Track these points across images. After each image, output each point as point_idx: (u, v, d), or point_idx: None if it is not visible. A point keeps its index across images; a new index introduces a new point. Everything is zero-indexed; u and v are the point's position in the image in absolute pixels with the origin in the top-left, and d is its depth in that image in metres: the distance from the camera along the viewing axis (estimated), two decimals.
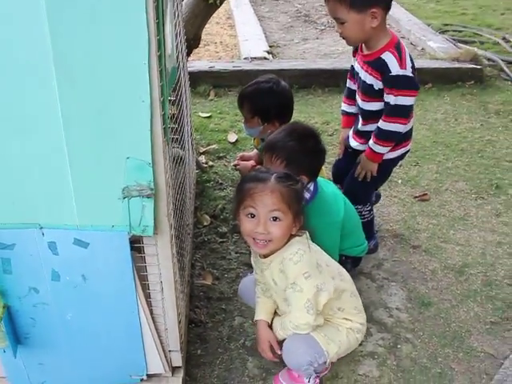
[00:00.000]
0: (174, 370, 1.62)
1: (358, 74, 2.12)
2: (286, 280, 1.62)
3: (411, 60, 1.98)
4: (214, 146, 3.22)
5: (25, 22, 0.97)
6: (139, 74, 1.02)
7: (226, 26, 5.14)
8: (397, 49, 1.94)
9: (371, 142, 2.11)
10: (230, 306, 2.11)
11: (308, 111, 3.65)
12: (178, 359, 1.58)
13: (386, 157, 2.15)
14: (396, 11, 5.22)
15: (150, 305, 1.43)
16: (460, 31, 4.93)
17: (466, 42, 4.61)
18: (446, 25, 5.07)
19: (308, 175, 1.87)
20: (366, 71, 2.03)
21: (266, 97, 2.28)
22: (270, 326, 1.77)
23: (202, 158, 3.12)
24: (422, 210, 2.69)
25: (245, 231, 1.58)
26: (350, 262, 2.13)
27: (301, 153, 1.84)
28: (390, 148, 2.10)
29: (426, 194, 2.80)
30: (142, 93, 1.04)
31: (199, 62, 4.04)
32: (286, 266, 1.60)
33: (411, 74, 1.95)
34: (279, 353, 1.70)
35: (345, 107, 2.33)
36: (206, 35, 4.89)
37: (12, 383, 1.54)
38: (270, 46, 4.52)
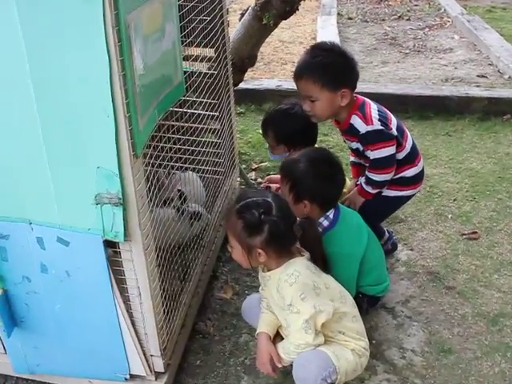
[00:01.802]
0: (157, 374, 1.68)
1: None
2: (282, 300, 1.65)
3: (380, 112, 2.04)
4: (266, 164, 3.26)
5: (6, 48, 1.14)
6: (103, 91, 1.12)
7: (309, 46, 5.17)
8: (360, 109, 2.03)
9: (363, 181, 2.13)
10: (241, 322, 2.12)
11: None
12: (159, 365, 1.63)
13: (385, 193, 2.16)
14: (488, 36, 4.94)
15: (129, 308, 1.50)
16: None
17: None
18: None
19: (314, 201, 1.86)
20: (348, 139, 2.15)
21: (290, 122, 2.26)
22: (273, 342, 1.77)
23: (252, 175, 3.18)
24: (468, 249, 2.51)
25: None
26: (366, 302, 2.06)
27: (308, 177, 1.84)
28: (379, 190, 2.14)
29: (476, 232, 2.61)
30: (107, 108, 1.13)
31: (268, 80, 4.12)
32: (282, 287, 1.64)
33: (380, 127, 1.99)
34: (279, 366, 1.70)
35: (353, 158, 2.35)
36: (285, 54, 4.98)
37: (12, 361, 1.70)
38: None
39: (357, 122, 2.01)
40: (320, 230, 1.89)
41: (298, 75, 2.03)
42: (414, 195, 2.27)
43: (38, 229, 1.37)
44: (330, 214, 1.93)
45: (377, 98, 3.71)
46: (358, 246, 1.94)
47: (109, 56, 1.07)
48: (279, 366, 1.71)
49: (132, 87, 1.15)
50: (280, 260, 1.66)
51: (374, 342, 2.02)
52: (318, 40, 5.07)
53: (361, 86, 3.94)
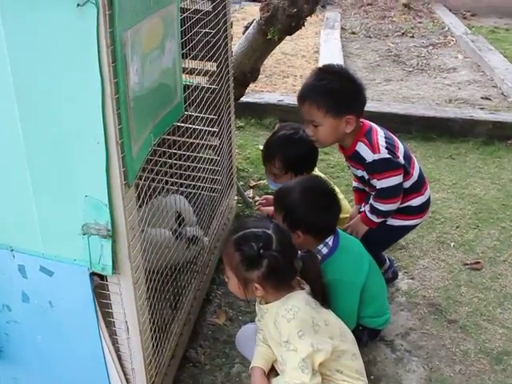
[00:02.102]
0: None
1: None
2: (279, 336, 1.56)
3: (388, 139, 1.95)
4: (264, 181, 3.16)
5: None
6: (93, 115, 1.02)
7: (312, 59, 5.10)
8: (366, 136, 1.92)
9: (367, 210, 2.04)
10: (233, 351, 2.02)
11: None
12: None
13: (390, 222, 2.07)
14: (492, 58, 4.89)
15: (116, 342, 1.41)
16: None
17: None
18: None
19: (308, 232, 1.79)
20: (353, 166, 2.05)
21: (298, 149, 2.15)
22: (268, 376, 1.68)
23: (250, 193, 3.08)
24: (470, 280, 2.42)
25: None
26: (367, 334, 1.98)
27: (301, 208, 1.77)
28: (384, 219, 2.05)
29: (479, 262, 2.52)
30: (97, 134, 1.04)
31: (270, 94, 4.04)
32: (280, 322, 1.56)
33: (387, 155, 1.90)
34: None
35: (356, 184, 2.25)
36: (287, 67, 4.90)
37: None
38: None
39: (363, 149, 1.92)
40: (319, 257, 1.81)
41: (302, 99, 1.93)
42: (419, 224, 2.19)
43: (20, 256, 1.27)
44: (329, 240, 1.85)
45: (380, 117, 3.66)
46: (358, 274, 1.86)
47: (101, 77, 0.98)
48: None
49: (126, 111, 1.06)
50: (278, 294, 1.57)
51: (372, 377, 1.93)
52: (321, 53, 5.01)
53: None
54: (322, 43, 5.32)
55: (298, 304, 1.53)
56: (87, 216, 1.14)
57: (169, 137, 2.08)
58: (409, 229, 2.16)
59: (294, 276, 1.59)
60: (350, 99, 1.89)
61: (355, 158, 1.98)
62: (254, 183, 3.17)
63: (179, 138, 2.22)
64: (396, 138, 2.02)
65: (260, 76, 4.78)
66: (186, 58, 1.71)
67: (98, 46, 0.94)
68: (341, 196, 2.44)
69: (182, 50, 1.58)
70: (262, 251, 1.47)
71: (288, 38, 5.58)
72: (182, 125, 2.19)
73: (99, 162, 1.06)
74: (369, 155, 1.90)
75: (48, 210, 1.18)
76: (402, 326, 2.16)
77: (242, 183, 3.14)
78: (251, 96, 3.93)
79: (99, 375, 1.45)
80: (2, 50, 0.99)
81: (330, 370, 1.59)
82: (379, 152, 1.89)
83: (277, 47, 5.47)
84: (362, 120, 1.99)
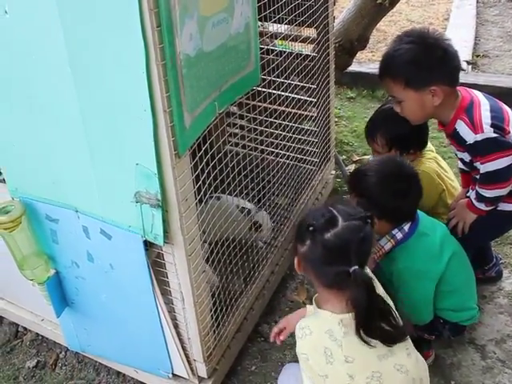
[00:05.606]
0: (201, 378, 1.58)
1: None
2: None
3: (494, 112, 1.63)
4: (368, 157, 2.98)
5: (44, 30, 1.06)
6: (138, 82, 0.98)
7: (440, 27, 4.66)
8: (467, 111, 1.66)
9: (473, 197, 1.78)
10: None
11: None
12: (202, 370, 1.54)
13: (501, 208, 1.78)
14: None
15: (173, 310, 1.41)
16: None
17: None
18: None
19: (383, 218, 1.64)
20: (454, 146, 1.82)
21: (400, 123, 1.89)
22: None
23: (351, 167, 2.92)
24: None
25: None
26: (448, 329, 1.79)
27: (377, 193, 1.63)
28: (494, 206, 1.78)
29: None
30: (143, 101, 1.00)
31: None
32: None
33: (493, 134, 1.60)
34: (281, 339, 1.60)
35: (461, 165, 1.95)
36: None
37: (65, 338, 1.71)
38: (477, 56, 3.94)
39: (463, 129, 1.67)
40: (393, 242, 1.69)
41: (380, 73, 1.74)
42: None
43: (84, 218, 1.31)
44: (405, 226, 1.69)
45: (507, 93, 3.24)
46: (434, 264, 1.68)
47: (145, 42, 0.94)
48: (281, 338, 1.61)
49: (175, 78, 1.01)
50: (319, 289, 1.38)
51: (452, 382, 1.76)
52: (450, 21, 4.56)
53: (491, 79, 3.48)
54: (453, 9, 4.82)
55: (313, 328, 1.33)
56: (139, 184, 1.13)
57: (247, 101, 1.99)
58: None
59: (338, 283, 1.32)
60: (430, 67, 1.63)
61: (455, 138, 1.73)
62: (358, 158, 3.01)
63: (273, 106, 2.14)
64: (506, 108, 1.72)
65: (380, 44, 4.52)
66: (267, 21, 1.61)
67: (140, 9, 0.90)
68: (452, 179, 2.19)
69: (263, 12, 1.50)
70: (310, 228, 1.29)
71: (417, 3, 5.19)
72: (275, 92, 2.10)
73: (147, 130, 1.03)
74: (470, 136, 1.65)
75: (104, 175, 1.19)
76: (499, 332, 1.93)
77: (344, 157, 3.00)
78: (365, 65, 3.71)
79: (156, 340, 1.47)
80: (56, 19, 0.99)
81: None
82: (482, 131, 1.62)
83: (403, 13, 5.11)
84: (461, 90, 1.71)
